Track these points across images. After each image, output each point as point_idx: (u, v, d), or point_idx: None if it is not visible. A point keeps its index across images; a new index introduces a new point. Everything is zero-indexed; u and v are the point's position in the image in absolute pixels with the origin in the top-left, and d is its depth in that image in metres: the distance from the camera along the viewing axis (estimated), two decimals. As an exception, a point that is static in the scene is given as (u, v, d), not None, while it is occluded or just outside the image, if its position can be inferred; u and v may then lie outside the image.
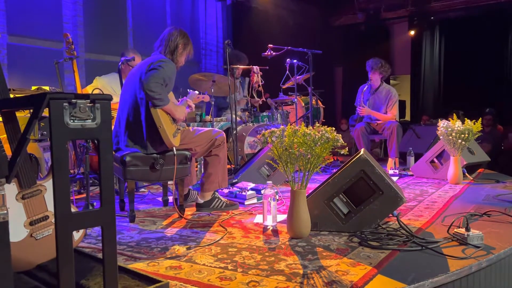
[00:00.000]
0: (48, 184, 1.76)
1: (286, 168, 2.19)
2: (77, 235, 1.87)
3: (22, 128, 1.61)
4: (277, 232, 2.35)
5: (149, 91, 2.51)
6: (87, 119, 1.27)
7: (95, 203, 2.73)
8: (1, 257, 1.09)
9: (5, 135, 1.71)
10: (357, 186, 2.31)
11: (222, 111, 5.40)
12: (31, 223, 1.70)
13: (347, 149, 2.14)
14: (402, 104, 8.22)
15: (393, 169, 4.47)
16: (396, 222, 2.27)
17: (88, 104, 1.28)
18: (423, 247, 2.00)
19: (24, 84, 3.91)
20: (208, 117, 4.89)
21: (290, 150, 2.05)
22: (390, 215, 2.40)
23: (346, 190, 2.32)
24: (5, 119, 1.60)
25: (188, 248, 2.05)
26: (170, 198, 3.20)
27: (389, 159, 4.62)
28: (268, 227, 2.43)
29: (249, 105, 5.09)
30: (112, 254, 1.32)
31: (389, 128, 4.58)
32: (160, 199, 3.35)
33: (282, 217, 2.62)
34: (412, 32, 8.61)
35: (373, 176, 2.28)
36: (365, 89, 4.87)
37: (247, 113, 5.14)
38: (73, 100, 1.24)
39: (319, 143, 2.03)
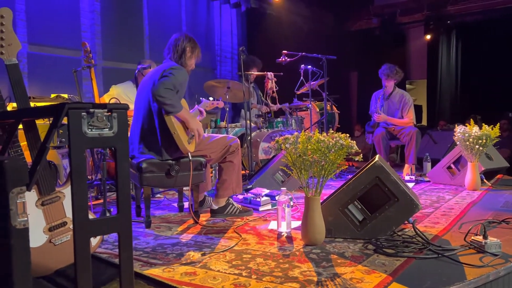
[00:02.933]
0: (67, 190, 1.80)
1: (300, 174, 2.19)
2: (94, 241, 1.91)
3: (42, 135, 1.66)
4: (291, 239, 2.35)
5: (158, 97, 2.54)
6: (104, 128, 1.30)
7: (112, 209, 2.77)
8: (22, 263, 1.12)
9: (25, 143, 1.76)
10: (372, 193, 2.30)
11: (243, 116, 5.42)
12: (50, 229, 1.75)
13: (361, 156, 2.13)
14: (418, 109, 8.13)
15: (409, 175, 4.42)
16: (412, 229, 2.25)
17: (105, 113, 1.31)
18: (440, 255, 1.98)
19: (44, 92, 4.01)
20: (223, 123, 4.93)
21: (304, 156, 2.05)
22: (406, 222, 2.38)
23: (361, 197, 2.31)
24: (25, 128, 1.65)
25: (203, 254, 2.07)
26: (186, 204, 3.23)
27: (406, 165, 4.58)
28: (282, 234, 2.43)
29: (263, 111, 5.10)
30: (129, 260, 1.35)
31: (408, 134, 4.55)
32: (175, 205, 3.38)
33: (297, 223, 2.62)
34: (428, 37, 8.53)
35: (388, 182, 2.26)
36: (380, 95, 4.85)
37: (261, 119, 5.16)
38: (91, 110, 1.27)
39: (333, 150, 2.03)
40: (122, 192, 1.34)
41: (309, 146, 2.05)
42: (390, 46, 8.57)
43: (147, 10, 5.50)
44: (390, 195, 2.27)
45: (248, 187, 3.70)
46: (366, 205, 2.31)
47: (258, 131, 4.95)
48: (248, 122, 4.32)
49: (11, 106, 3.01)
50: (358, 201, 2.31)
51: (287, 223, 2.43)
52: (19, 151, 1.84)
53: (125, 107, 1.36)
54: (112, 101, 4.06)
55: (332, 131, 2.15)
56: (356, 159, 2.11)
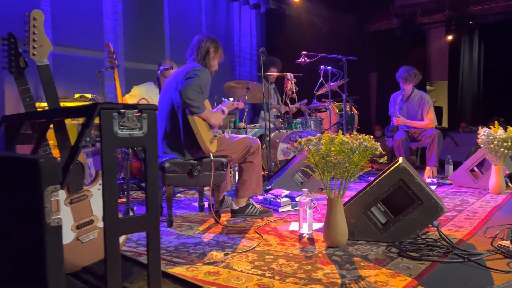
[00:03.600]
0: (94, 189, 1.83)
1: (323, 176, 2.19)
2: (120, 239, 1.93)
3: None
4: (313, 241, 2.34)
5: (187, 99, 2.57)
6: (134, 128, 1.32)
7: (135, 208, 2.81)
8: (56, 260, 1.15)
9: (52, 141, 1.80)
10: (395, 195, 2.28)
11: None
12: (77, 227, 1.78)
13: (385, 158, 2.11)
14: (438, 110, 7.99)
15: (430, 178, 4.36)
16: (435, 232, 2.22)
17: (136, 114, 1.33)
18: (465, 259, 1.95)
19: (68, 92, 4.08)
20: (242, 124, 4.95)
21: (327, 158, 2.04)
22: (430, 225, 2.35)
23: (384, 199, 2.29)
24: (55, 127, 1.68)
25: (226, 254, 2.08)
26: (206, 204, 3.25)
27: (427, 168, 4.51)
28: (303, 235, 2.43)
29: (283, 112, 5.10)
30: (156, 258, 1.37)
31: (430, 136, 4.48)
32: (196, 204, 3.41)
33: (317, 225, 2.61)
34: (450, 37, 8.39)
35: (412, 185, 2.24)
36: (399, 98, 4.78)
37: (280, 119, 5.16)
38: (121, 110, 1.29)
39: (357, 152, 2.02)
40: (151, 191, 1.36)
41: (332, 148, 2.04)
42: (410, 47, 8.45)
43: (168, 12, 5.55)
44: (414, 198, 2.24)
45: (267, 187, 3.70)
46: (389, 207, 2.29)
47: (277, 132, 4.95)
48: (267, 123, 4.32)
49: (37, 106, 3.08)
50: (381, 203, 2.29)
51: (308, 225, 2.42)
52: (48, 149, 1.88)
53: (155, 108, 1.38)
54: (134, 101, 4.12)
55: (356, 133, 2.14)
56: (381, 161, 2.09)
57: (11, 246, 1.36)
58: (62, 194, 1.72)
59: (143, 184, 3.91)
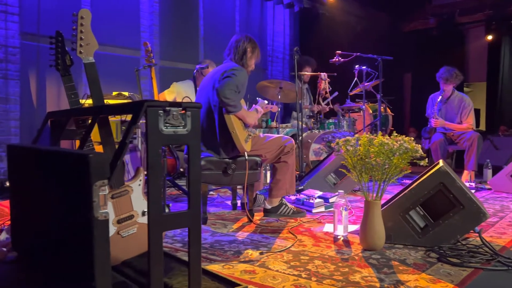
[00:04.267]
0: (134, 185, 1.87)
1: (361, 177, 2.15)
2: (158, 234, 1.97)
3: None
4: (348, 243, 2.31)
5: (224, 98, 2.59)
6: (179, 126, 1.34)
7: (170, 204, 2.85)
8: (102, 253, 1.18)
9: (94, 138, 1.85)
10: (435, 199, 2.21)
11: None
12: (118, 221, 1.82)
13: (426, 160, 2.06)
14: (476, 112, 7.72)
15: (468, 182, 4.22)
16: (476, 238, 2.14)
17: (180, 112, 1.35)
18: (510, 268, 1.87)
19: (105, 89, 4.16)
20: (274, 123, 4.94)
21: (366, 159, 2.01)
22: (471, 231, 2.27)
23: (424, 203, 2.23)
24: (100, 124, 1.73)
25: (261, 253, 2.08)
26: (238, 202, 3.26)
27: (465, 172, 4.37)
28: (338, 237, 2.40)
29: (315, 111, 5.05)
30: (197, 254, 1.38)
31: (469, 139, 4.34)
32: (228, 202, 3.43)
33: (352, 227, 2.58)
34: (489, 37, 8.10)
35: (454, 189, 2.17)
36: (438, 99, 4.65)
37: (312, 120, 5.12)
38: (167, 108, 1.31)
39: (397, 154, 1.98)
40: (194, 188, 1.38)
41: (372, 149, 2.00)
42: (447, 47, 8.21)
43: (203, 11, 5.61)
44: (455, 202, 2.17)
45: (300, 188, 3.68)
46: (428, 211, 2.23)
47: (309, 132, 4.92)
48: (300, 123, 4.30)
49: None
50: (420, 207, 2.23)
51: (344, 227, 2.39)
52: (91, 145, 1.94)
53: (198, 106, 1.40)
54: (172, 97, 4.19)
55: (396, 134, 2.09)
56: (421, 164, 2.04)
57: (60, 238, 1.40)
58: (104, 189, 1.77)
59: (176, 181, 3.97)
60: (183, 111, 1.35)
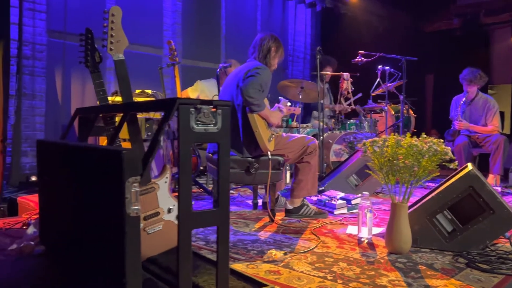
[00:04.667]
0: (161, 182, 1.87)
1: (387, 179, 2.12)
2: (183, 232, 1.97)
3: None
4: (373, 245, 2.28)
5: (248, 97, 2.58)
6: (210, 124, 1.34)
7: (193, 202, 2.85)
8: (134, 249, 1.18)
9: (120, 135, 1.86)
10: (464, 203, 2.16)
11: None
12: (144, 218, 1.83)
13: (456, 163, 2.01)
14: (501, 115, 7.55)
15: (494, 186, 4.12)
16: (506, 244, 2.09)
17: (211, 110, 1.34)
18: (543, 276, 1.81)
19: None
20: (294, 123, 4.91)
21: (394, 161, 1.97)
22: (500, 236, 2.21)
23: (452, 207, 2.18)
24: (129, 121, 1.74)
25: (285, 254, 2.07)
26: (259, 201, 3.25)
27: (490, 175, 4.27)
28: (362, 239, 2.36)
29: (337, 112, 5.00)
30: (226, 253, 1.37)
31: (495, 143, 4.24)
32: (249, 201, 3.43)
33: (375, 230, 2.54)
34: (516, 38, 7.90)
35: (484, 193, 2.12)
36: (462, 101, 4.55)
37: (333, 120, 5.08)
38: (198, 106, 1.31)
39: (426, 156, 1.94)
40: (223, 186, 1.37)
41: (400, 150, 1.97)
42: (471, 48, 8.04)
43: (225, 10, 5.62)
44: (485, 207, 2.12)
45: (320, 189, 3.64)
46: (456, 215, 2.18)
47: (330, 132, 4.88)
48: (321, 123, 4.26)
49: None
50: (448, 210, 2.18)
51: (368, 229, 2.35)
52: (118, 142, 1.95)
53: (229, 104, 1.39)
54: (195, 95, 4.21)
55: (425, 136, 2.05)
56: (451, 167, 1.99)
57: (89, 234, 1.42)
58: (132, 186, 1.78)
59: (197, 179, 3.99)
60: (214, 109, 1.35)
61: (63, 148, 1.58)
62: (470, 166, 2.24)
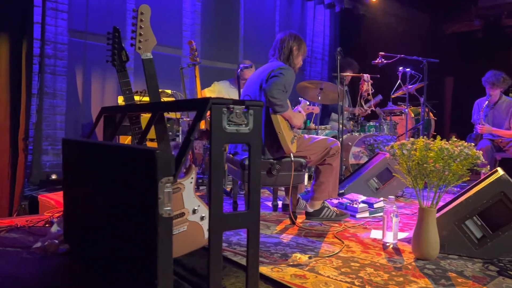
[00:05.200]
0: (186, 182, 1.85)
1: (415, 183, 2.07)
2: (207, 233, 1.95)
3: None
4: (399, 251, 2.23)
5: (271, 98, 2.55)
6: (241, 124, 1.31)
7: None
8: (166, 250, 1.16)
9: (148, 135, 1.84)
10: (494, 209, 2.10)
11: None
12: (169, 218, 1.81)
13: (488, 167, 1.95)
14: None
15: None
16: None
17: (243, 110, 1.32)
18: None
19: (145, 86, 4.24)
20: (312, 125, 4.87)
21: (425, 164, 1.92)
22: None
23: (481, 213, 2.12)
24: (157, 120, 1.72)
25: (310, 258, 2.03)
26: (279, 203, 3.22)
27: (514, 181, 4.16)
28: (387, 244, 2.31)
29: (356, 114, 4.94)
30: (256, 257, 1.35)
31: (520, 146, 4.15)
32: (268, 203, 3.39)
33: (400, 235, 2.48)
34: (539, 40, 7.73)
35: (516, 199, 2.05)
36: (485, 104, 4.45)
37: (351, 122, 5.02)
38: (231, 106, 1.28)
39: (458, 160, 1.88)
40: (254, 188, 1.35)
41: (431, 154, 1.92)
42: (492, 51, 7.89)
43: (244, 11, 5.60)
44: (517, 213, 2.05)
45: (340, 191, 3.60)
46: (486, 221, 2.11)
47: (349, 134, 4.82)
48: (340, 125, 4.21)
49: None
50: (478, 216, 2.12)
51: (393, 234, 2.30)
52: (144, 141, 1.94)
53: (261, 105, 1.36)
54: (212, 96, 4.20)
55: (456, 139, 2.00)
56: (483, 171, 1.93)
57: (118, 233, 1.40)
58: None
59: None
60: (246, 110, 1.32)
61: (92, 146, 1.57)
62: (500, 171, 2.18)
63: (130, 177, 1.28)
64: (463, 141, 1.99)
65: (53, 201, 3.23)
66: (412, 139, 2.10)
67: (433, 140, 2.04)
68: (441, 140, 2.00)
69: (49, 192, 3.60)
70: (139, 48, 1.73)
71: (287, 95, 2.67)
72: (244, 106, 1.32)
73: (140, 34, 1.72)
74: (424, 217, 2.06)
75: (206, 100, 1.24)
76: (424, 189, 2.09)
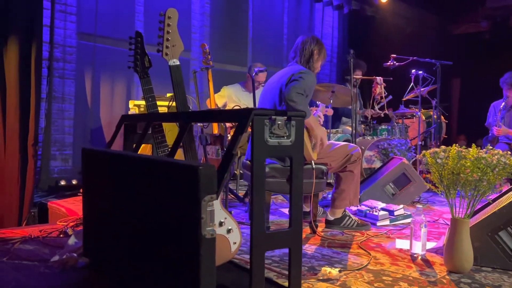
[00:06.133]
0: (213, 194, 1.77)
1: (448, 193, 1.99)
2: (234, 246, 1.87)
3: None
4: (429, 263, 2.15)
5: (290, 101, 2.47)
6: (283, 136, 1.23)
7: (232, 211, 2.76)
8: (209, 273, 1.08)
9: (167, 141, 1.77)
10: (530, 220, 2.02)
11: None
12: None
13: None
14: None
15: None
16: None
17: (285, 121, 1.24)
18: None
19: (160, 91, 4.15)
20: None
21: (461, 174, 1.84)
22: None
23: (516, 223, 2.04)
24: (183, 130, 1.64)
25: (339, 271, 1.95)
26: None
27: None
28: (415, 255, 2.23)
29: (369, 118, 4.86)
30: (298, 277, 1.27)
31: (538, 150, 4.06)
32: (284, 210, 3.32)
33: (429, 245, 2.40)
34: (548, 42, 7.66)
35: (553, 210, 1.97)
36: (501, 106, 4.38)
37: (362, 125, 4.94)
38: (273, 117, 1.20)
39: (496, 169, 1.81)
40: (296, 203, 1.27)
41: (467, 163, 1.84)
42: (500, 52, 7.82)
43: (252, 13, 5.52)
44: (554, 224, 1.98)
45: (356, 197, 3.52)
46: (521, 232, 2.04)
47: (361, 138, 4.74)
48: (353, 129, 4.14)
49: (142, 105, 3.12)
50: (513, 227, 2.04)
51: (422, 245, 2.22)
52: (166, 151, 1.86)
53: (303, 115, 1.28)
54: (222, 101, 4.11)
55: (491, 147, 1.92)
56: None
57: (150, 252, 1.32)
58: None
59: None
60: (288, 121, 1.24)
61: (120, 158, 1.49)
62: (534, 179, 2.10)
63: (167, 193, 1.20)
64: (499, 150, 1.91)
65: (63, 209, 3.15)
66: (443, 146, 2.02)
67: (465, 148, 1.96)
68: (493, 148, 1.92)
69: (58, 198, 3.51)
70: (166, 54, 1.65)
71: (307, 99, 2.59)
72: (286, 117, 1.24)
73: (167, 40, 1.64)
74: (458, 228, 1.98)
75: (248, 111, 1.16)
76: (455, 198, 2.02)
